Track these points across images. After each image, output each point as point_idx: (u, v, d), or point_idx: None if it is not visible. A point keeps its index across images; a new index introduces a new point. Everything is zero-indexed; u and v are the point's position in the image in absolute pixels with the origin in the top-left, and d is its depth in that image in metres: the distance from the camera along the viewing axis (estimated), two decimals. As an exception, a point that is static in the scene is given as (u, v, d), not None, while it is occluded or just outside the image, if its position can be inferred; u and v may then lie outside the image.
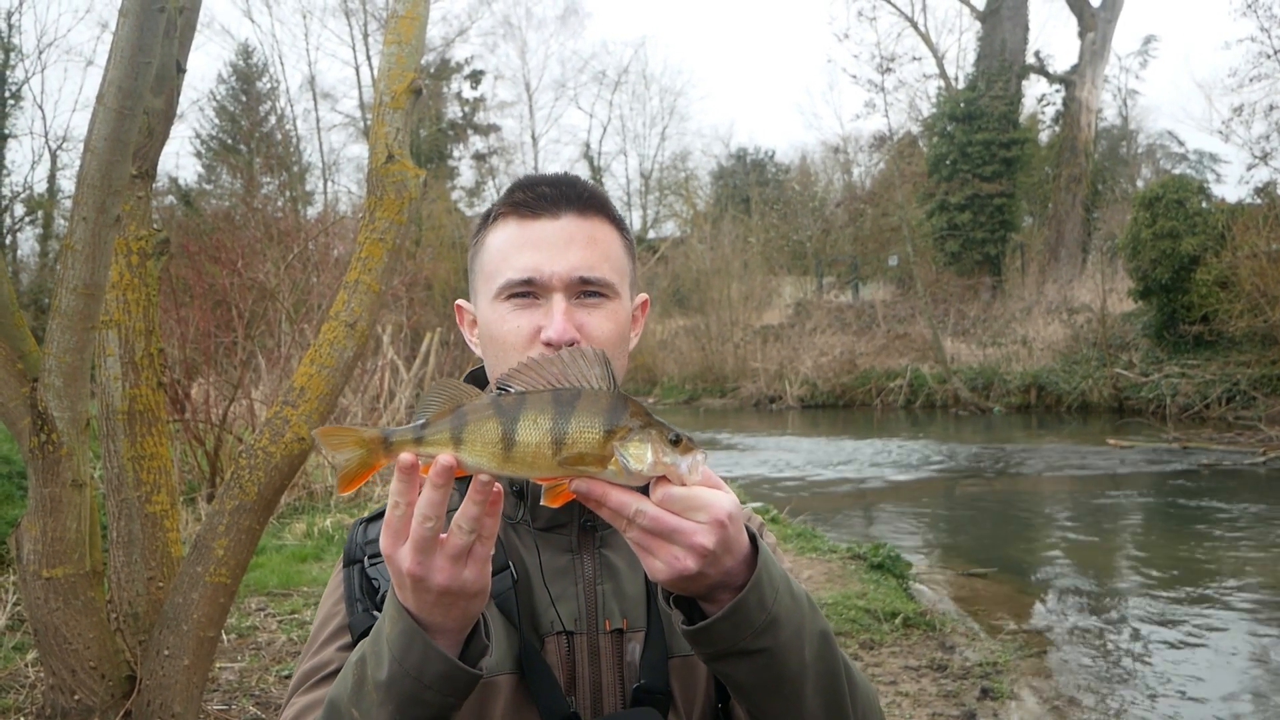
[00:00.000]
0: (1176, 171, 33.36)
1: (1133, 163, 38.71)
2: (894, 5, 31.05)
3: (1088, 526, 10.20)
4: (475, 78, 41.76)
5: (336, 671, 1.14)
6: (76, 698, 3.28)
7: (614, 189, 43.92)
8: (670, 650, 1.22)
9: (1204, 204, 20.29)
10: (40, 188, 32.24)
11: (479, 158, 42.69)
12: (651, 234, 41.68)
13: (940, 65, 31.58)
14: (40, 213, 31.27)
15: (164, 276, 4.62)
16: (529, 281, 1.24)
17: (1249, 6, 22.12)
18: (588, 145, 45.93)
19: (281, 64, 63.45)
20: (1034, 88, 31.29)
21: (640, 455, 0.96)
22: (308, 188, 37.08)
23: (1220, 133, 24.38)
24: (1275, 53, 22.28)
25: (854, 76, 44.76)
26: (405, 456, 0.96)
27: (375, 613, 1.19)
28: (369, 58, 38.63)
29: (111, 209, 2.97)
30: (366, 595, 1.23)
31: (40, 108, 46.26)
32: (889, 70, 29.90)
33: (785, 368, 26.86)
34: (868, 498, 12.28)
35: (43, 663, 3.40)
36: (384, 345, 10.94)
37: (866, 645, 5.62)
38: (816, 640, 1.08)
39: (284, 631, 5.35)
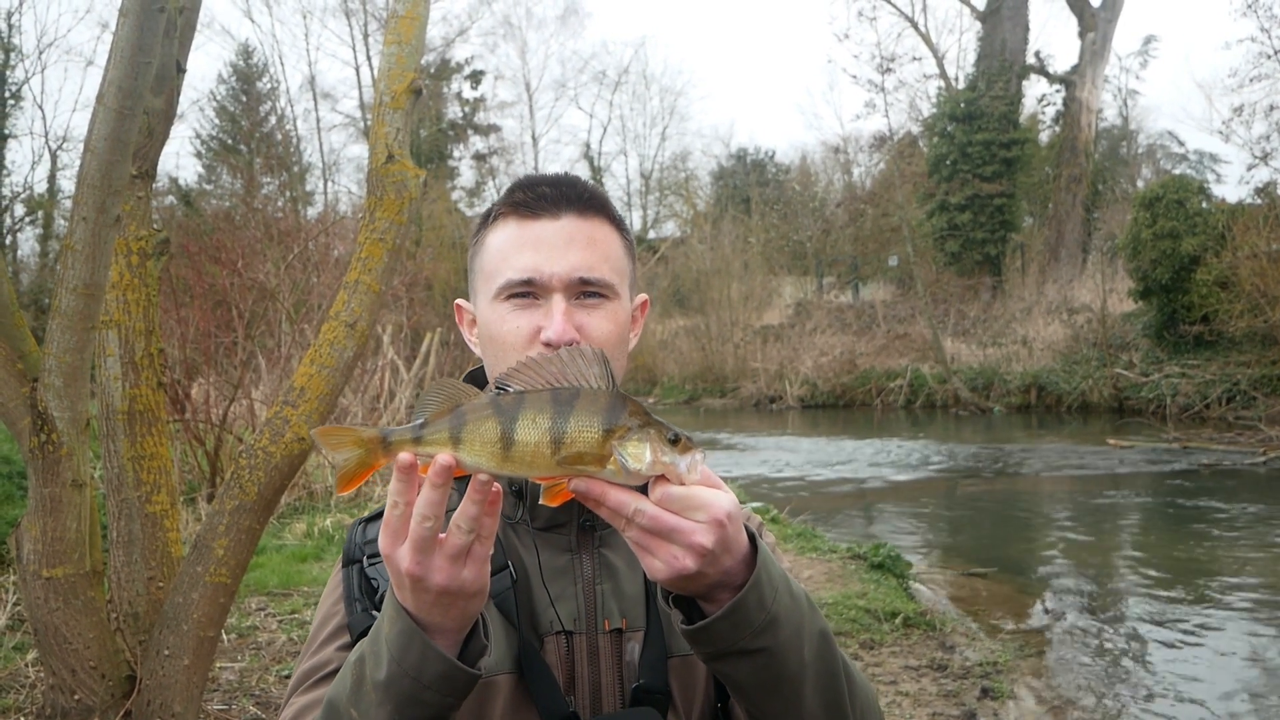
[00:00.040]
0: (1177, 171, 33.36)
1: (1133, 163, 38.70)
2: (894, 5, 31.08)
3: (1088, 526, 10.20)
4: (475, 78, 41.77)
5: (335, 671, 1.14)
6: (76, 698, 3.28)
7: (614, 189, 43.95)
8: (669, 650, 1.22)
9: (1204, 204, 20.28)
10: (40, 188, 32.31)
11: (479, 158, 42.73)
12: (651, 234, 41.69)
13: (940, 65, 31.60)
14: (40, 213, 31.27)
15: (164, 276, 4.62)
16: (529, 282, 1.24)
17: (1249, 6, 22.15)
18: (588, 145, 45.99)
19: (281, 64, 63.53)
20: (1034, 88, 31.33)
21: (639, 454, 0.96)
22: (308, 188, 37.12)
23: (1220, 133, 24.40)
24: (1275, 53, 22.29)
25: (854, 77, 44.80)
26: (404, 456, 0.96)
27: (374, 612, 1.19)
28: (369, 58, 38.66)
29: (111, 209, 2.98)
30: (365, 595, 1.23)
31: (40, 108, 46.36)
32: (889, 70, 29.95)
33: (785, 368, 26.86)
34: (868, 498, 12.28)
35: (43, 663, 3.40)
36: (384, 345, 10.94)
37: (867, 645, 5.62)
38: (816, 640, 1.08)
39: (284, 631, 5.36)
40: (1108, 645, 6.24)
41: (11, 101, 30.30)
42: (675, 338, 31.75)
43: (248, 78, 39.08)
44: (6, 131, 30.01)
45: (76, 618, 3.22)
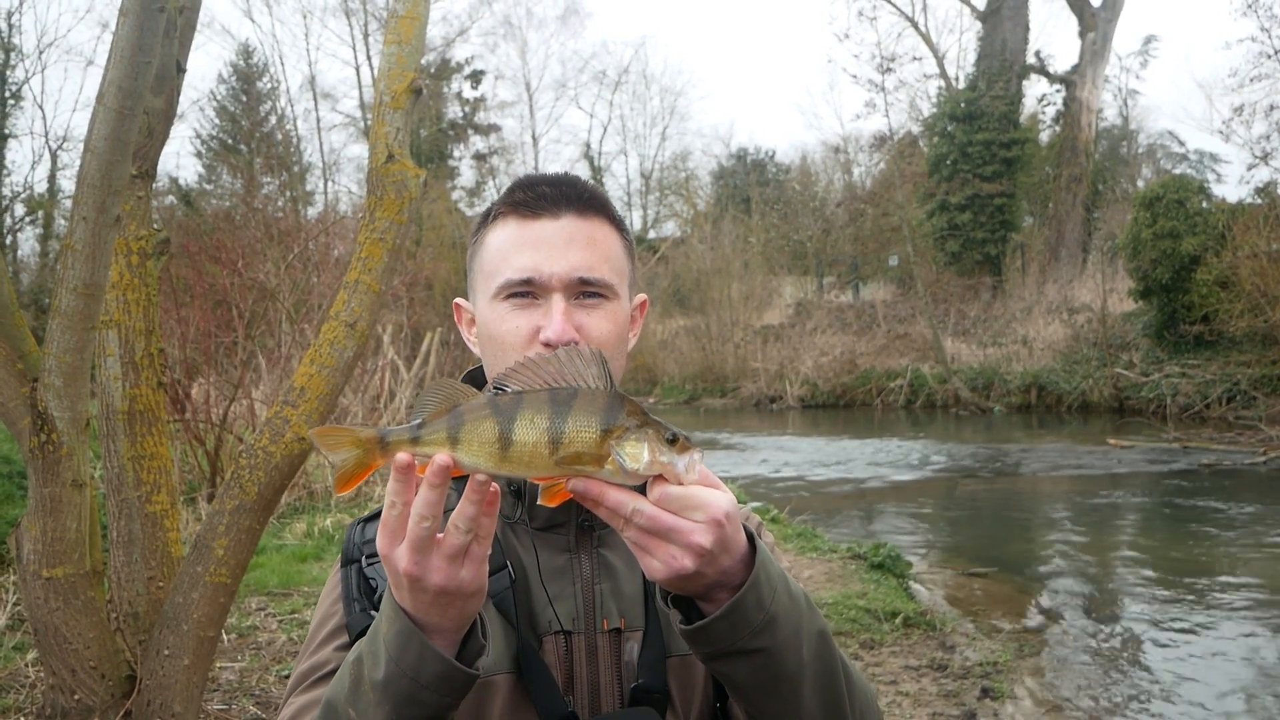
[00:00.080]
0: (1177, 171, 33.36)
1: (1133, 163, 38.71)
2: (894, 5, 31.07)
3: (1088, 526, 10.20)
4: (475, 78, 41.76)
5: (334, 671, 1.14)
6: (76, 697, 3.28)
7: (614, 189, 43.96)
8: (668, 650, 1.22)
9: (1204, 204, 20.28)
10: (40, 188, 32.33)
11: (479, 158, 42.72)
12: (652, 234, 41.69)
13: (940, 65, 31.60)
14: (40, 213, 31.29)
15: (164, 276, 4.62)
16: (528, 281, 1.24)
17: (1249, 6, 22.13)
18: (588, 145, 45.99)
19: (282, 64, 63.51)
20: (1034, 88, 31.31)
21: (637, 454, 0.96)
22: (308, 188, 37.12)
23: (1220, 133, 24.41)
24: (1276, 53, 22.28)
25: (854, 76, 44.78)
26: (402, 456, 0.95)
27: (373, 612, 1.19)
28: (369, 58, 38.66)
29: (111, 209, 2.98)
30: (364, 595, 1.23)
31: (40, 108, 46.41)
32: (889, 70, 29.93)
33: (785, 368, 26.85)
34: (868, 498, 12.28)
35: (43, 663, 3.40)
36: (384, 345, 10.95)
37: (867, 645, 5.62)
38: (814, 640, 1.08)
39: (284, 631, 5.36)
40: (1107, 645, 6.24)
41: (11, 101, 30.33)
42: (675, 338, 31.75)
43: (248, 77, 39.09)
44: (6, 131, 30.03)
45: (76, 618, 3.22)
